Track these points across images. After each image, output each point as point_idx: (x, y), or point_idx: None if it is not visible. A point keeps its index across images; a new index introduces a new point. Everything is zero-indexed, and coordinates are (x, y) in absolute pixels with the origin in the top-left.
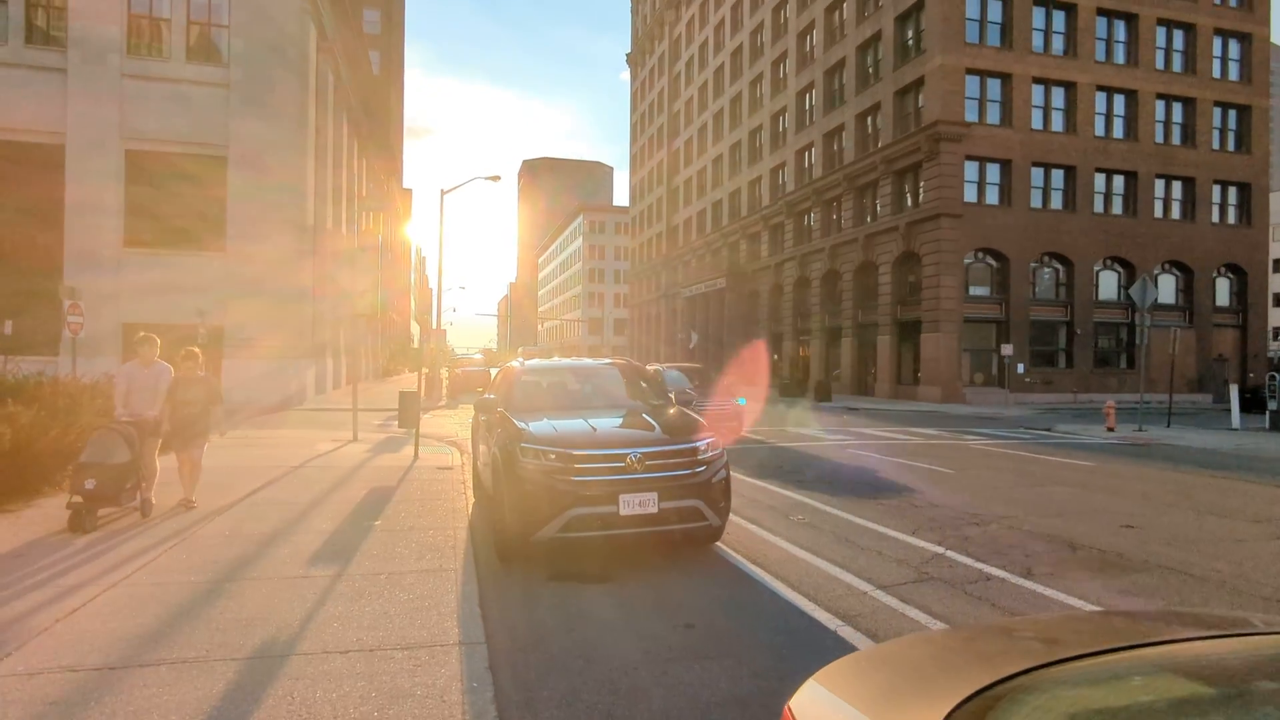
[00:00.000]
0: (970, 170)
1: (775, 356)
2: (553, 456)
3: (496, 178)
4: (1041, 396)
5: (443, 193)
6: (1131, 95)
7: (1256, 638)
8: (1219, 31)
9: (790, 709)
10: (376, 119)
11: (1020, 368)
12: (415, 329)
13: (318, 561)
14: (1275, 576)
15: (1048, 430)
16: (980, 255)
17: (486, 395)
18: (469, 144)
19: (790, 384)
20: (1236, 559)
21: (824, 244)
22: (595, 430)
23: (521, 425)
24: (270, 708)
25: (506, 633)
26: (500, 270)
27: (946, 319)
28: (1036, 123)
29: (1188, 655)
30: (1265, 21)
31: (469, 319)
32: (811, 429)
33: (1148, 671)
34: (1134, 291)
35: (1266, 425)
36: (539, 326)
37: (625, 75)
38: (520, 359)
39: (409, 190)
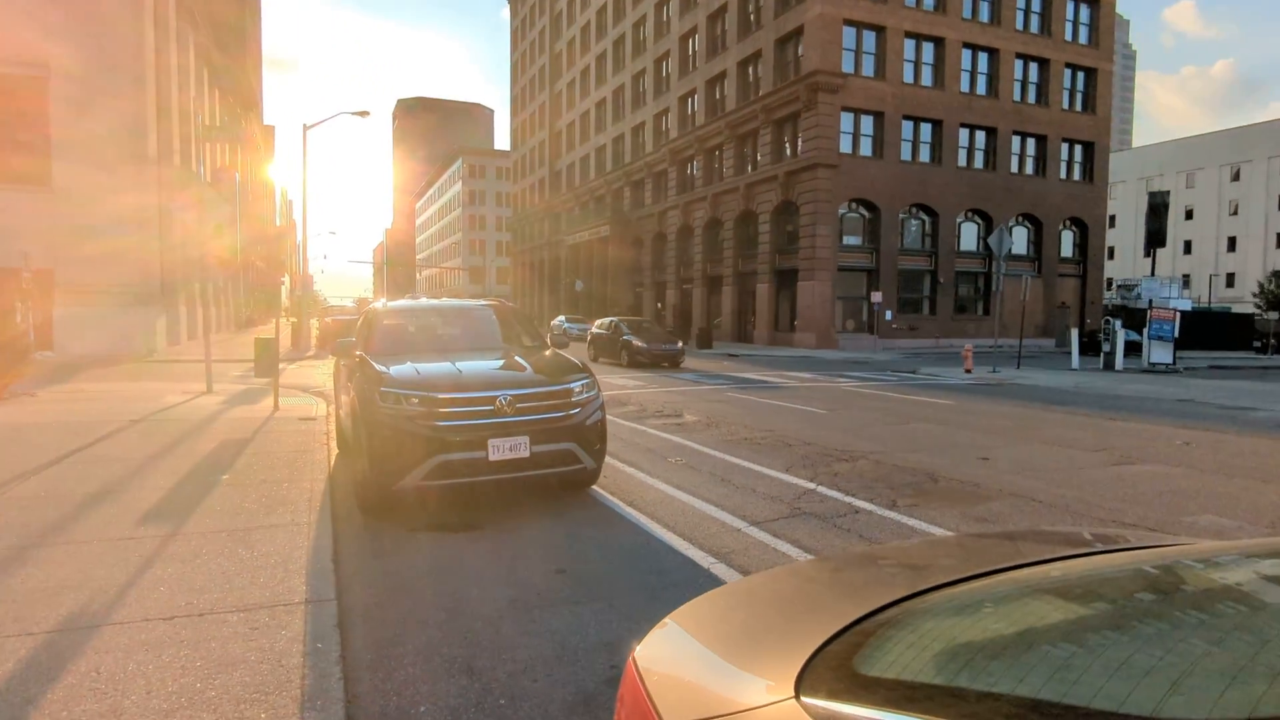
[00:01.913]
0: (846, 121)
1: (659, 305)
2: (415, 401)
3: (365, 113)
4: (907, 341)
5: (305, 128)
6: (994, 53)
7: (1109, 555)
8: None
9: (635, 660)
10: (229, 47)
11: (889, 314)
12: (287, 278)
13: (150, 521)
14: (1110, 499)
15: (913, 373)
16: (854, 205)
17: (347, 339)
18: (339, 80)
19: (673, 331)
20: (1077, 485)
21: (706, 192)
22: (461, 373)
23: (381, 369)
24: (68, 686)
25: (363, 588)
26: (375, 217)
27: (822, 268)
28: (908, 76)
29: (1053, 576)
30: None
31: (342, 267)
32: (692, 374)
33: (1013, 596)
34: (991, 241)
35: (1101, 366)
36: (418, 275)
37: (506, 13)
38: (383, 300)
39: (271, 127)
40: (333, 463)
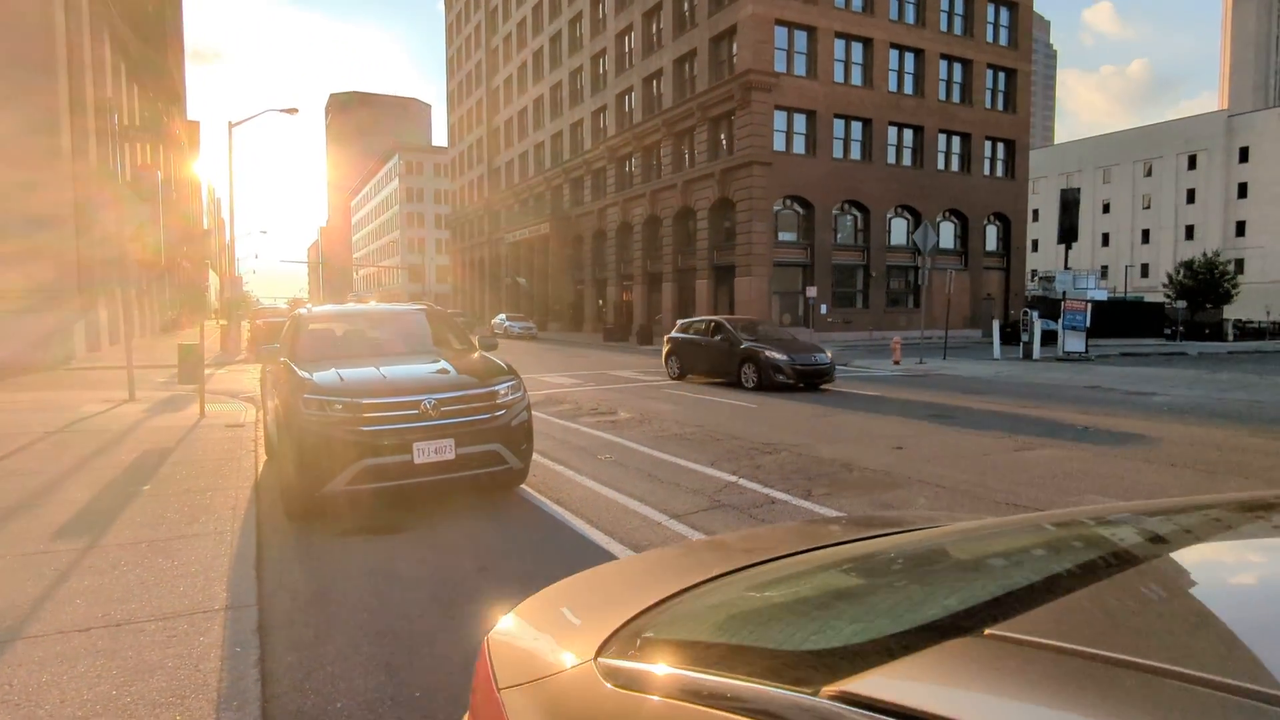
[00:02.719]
0: (779, 120)
1: (600, 302)
2: (339, 407)
3: (294, 110)
4: (842, 335)
5: (231, 125)
6: (920, 54)
7: (909, 534)
8: None
9: (489, 635)
10: (149, 37)
11: (824, 309)
12: (214, 279)
13: (65, 534)
14: (1008, 483)
15: (844, 365)
16: (788, 202)
17: (271, 346)
18: (268, 73)
19: (614, 329)
20: (980, 470)
21: (645, 189)
22: (386, 377)
23: (304, 375)
24: None
25: (286, 593)
26: (310, 215)
27: (758, 263)
28: (838, 76)
29: (854, 555)
30: None
31: (275, 267)
32: (630, 370)
33: (805, 573)
34: (917, 237)
35: (1020, 355)
36: (355, 274)
37: (441, 6)
38: (308, 305)
39: (195, 123)
40: (260, 469)
